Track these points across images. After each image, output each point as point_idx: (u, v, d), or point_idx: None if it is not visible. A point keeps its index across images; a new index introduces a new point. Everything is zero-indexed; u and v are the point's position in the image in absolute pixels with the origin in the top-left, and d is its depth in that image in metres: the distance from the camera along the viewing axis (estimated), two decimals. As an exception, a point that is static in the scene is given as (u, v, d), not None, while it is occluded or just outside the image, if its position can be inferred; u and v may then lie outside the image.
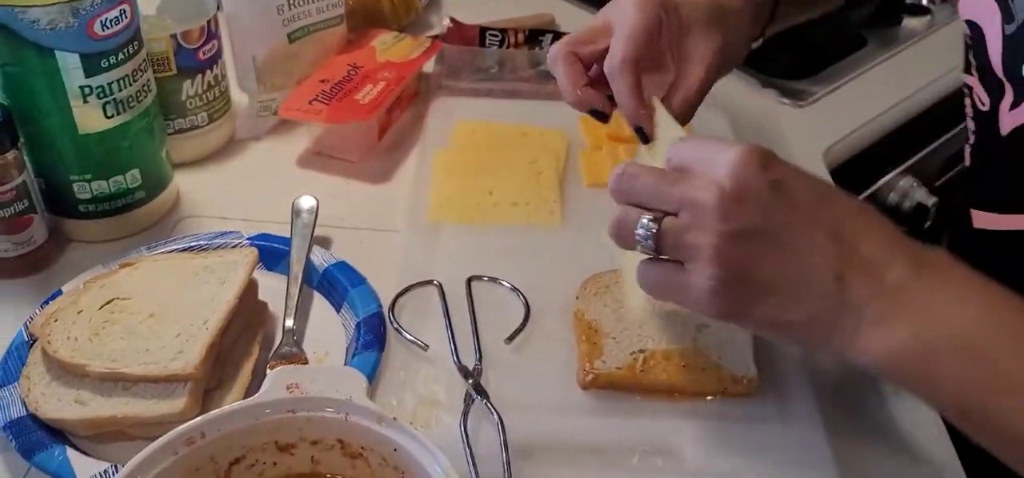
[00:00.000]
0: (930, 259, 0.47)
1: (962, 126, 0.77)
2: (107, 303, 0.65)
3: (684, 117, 0.64)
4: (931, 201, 1.09)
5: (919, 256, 0.47)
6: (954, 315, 0.46)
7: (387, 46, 0.98)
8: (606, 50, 0.63)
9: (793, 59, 1.11)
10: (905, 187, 1.11)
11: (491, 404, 0.61)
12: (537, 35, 1.08)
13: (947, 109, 1.11)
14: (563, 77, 0.65)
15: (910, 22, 1.21)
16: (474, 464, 0.58)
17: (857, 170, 1.01)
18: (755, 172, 0.47)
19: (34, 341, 0.65)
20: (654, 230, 0.49)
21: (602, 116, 0.66)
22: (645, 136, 0.62)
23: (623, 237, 0.51)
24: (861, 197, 1.08)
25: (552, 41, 1.06)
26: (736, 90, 1.05)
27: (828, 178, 0.90)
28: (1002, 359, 0.45)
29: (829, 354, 0.49)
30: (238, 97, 0.93)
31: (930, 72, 1.09)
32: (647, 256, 0.52)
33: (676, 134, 0.60)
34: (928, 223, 1.11)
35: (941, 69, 1.08)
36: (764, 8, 0.72)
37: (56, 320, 0.64)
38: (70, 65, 0.69)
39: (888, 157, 1.08)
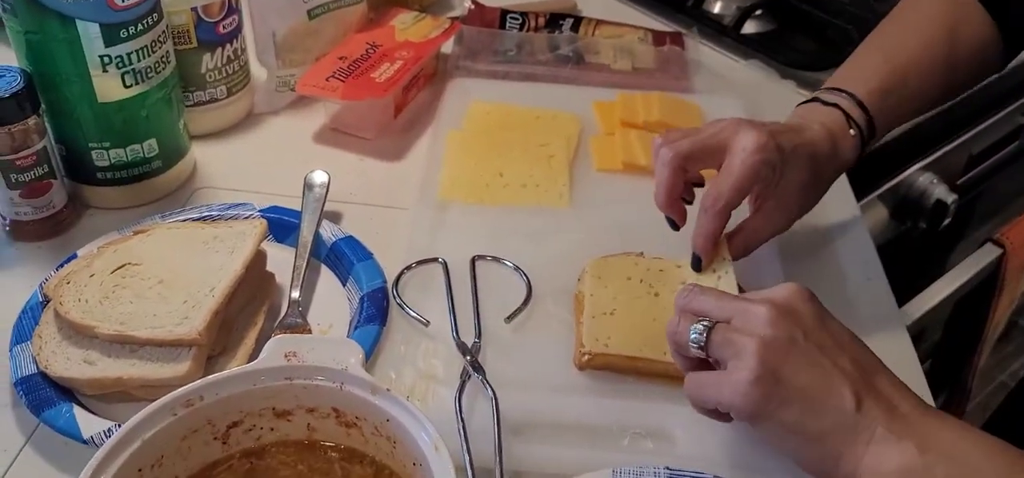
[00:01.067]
0: (933, 410, 0.52)
1: (987, 123, 0.78)
2: (119, 268, 0.67)
3: (742, 253, 0.69)
4: (950, 198, 1.08)
5: (924, 404, 0.52)
6: (957, 443, 0.50)
7: (406, 26, 0.99)
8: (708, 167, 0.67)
9: (814, 50, 1.11)
10: (924, 184, 1.10)
11: (487, 380, 0.62)
12: (558, 19, 1.08)
13: (972, 106, 1.10)
14: (663, 183, 0.66)
15: (939, 16, 1.19)
16: (466, 438, 0.58)
17: (874, 165, 1.00)
18: (803, 300, 0.54)
19: (48, 302, 0.67)
20: (706, 332, 0.55)
21: (675, 226, 0.70)
22: (700, 266, 0.67)
23: (679, 337, 0.56)
24: (878, 193, 1.07)
25: (572, 26, 1.06)
26: (754, 79, 1.04)
27: (843, 177, 0.89)
28: None
29: (831, 476, 0.52)
30: (257, 71, 0.94)
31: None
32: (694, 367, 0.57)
33: (724, 266, 0.67)
34: (947, 220, 1.10)
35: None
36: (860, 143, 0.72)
37: (69, 282, 0.66)
38: (91, 34, 0.71)
39: (908, 153, 1.07)
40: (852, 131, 0.70)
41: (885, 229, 1.12)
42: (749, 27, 1.13)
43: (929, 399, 0.67)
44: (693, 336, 0.55)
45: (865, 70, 0.73)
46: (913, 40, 0.74)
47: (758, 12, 1.14)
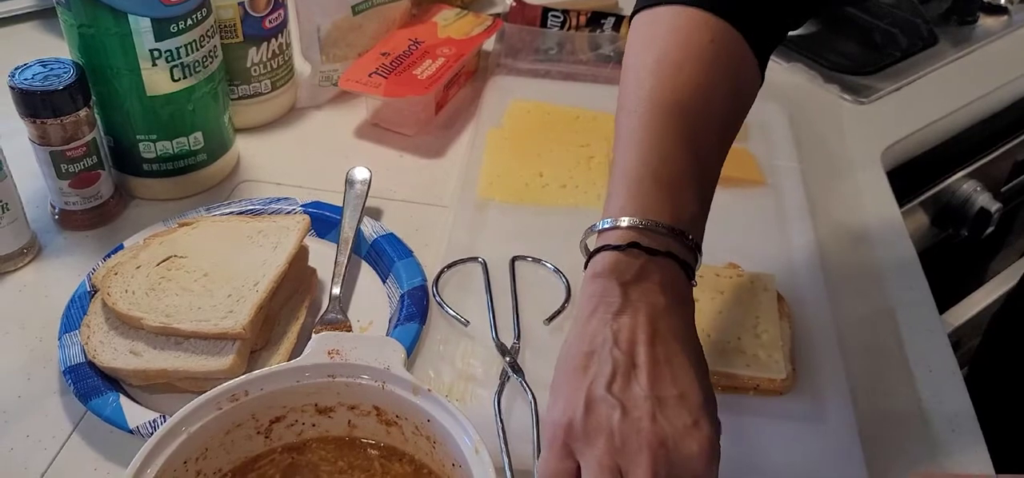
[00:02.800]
0: None
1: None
2: (164, 260, 0.68)
3: None
4: (995, 206, 1.07)
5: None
6: None
7: (448, 22, 0.99)
8: None
9: (859, 54, 1.09)
10: (968, 191, 1.09)
11: (526, 382, 0.63)
12: (599, 17, 1.08)
13: (1017, 114, 1.08)
14: None
15: (986, 21, 1.17)
16: (505, 440, 0.59)
17: (917, 170, 0.99)
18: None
19: (96, 292, 0.68)
20: None
21: None
22: None
23: None
24: (919, 199, 1.06)
25: (613, 26, 1.06)
26: (797, 83, 1.04)
27: (884, 180, 0.89)
28: None
29: None
30: (301, 66, 0.95)
31: (1003, 74, 1.06)
32: None
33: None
34: (990, 229, 1.08)
35: (1016, 72, 1.05)
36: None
37: (116, 273, 0.67)
38: (141, 28, 0.72)
39: (951, 159, 1.06)
40: (693, 281, 0.52)
41: (925, 236, 1.11)
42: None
43: (963, 392, 0.67)
44: None
45: (675, 183, 0.52)
46: (703, 116, 0.54)
47: (801, 14, 1.13)
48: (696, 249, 0.52)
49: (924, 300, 0.76)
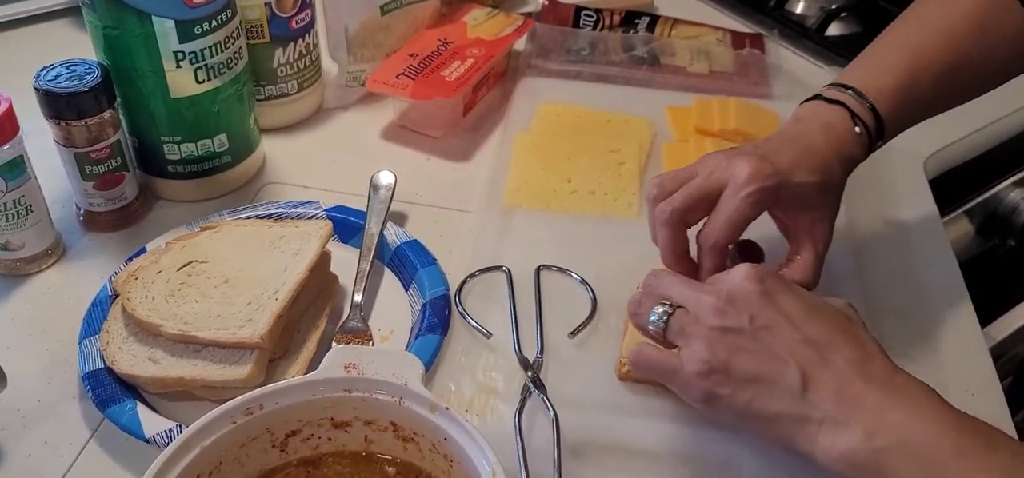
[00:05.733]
0: (896, 380, 0.51)
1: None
2: (185, 265, 0.68)
3: (815, 279, 0.65)
4: (1044, 216, 1.03)
5: (885, 377, 0.51)
6: (907, 425, 0.48)
7: (478, 22, 0.98)
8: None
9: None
10: (1016, 200, 1.05)
11: (548, 399, 0.61)
12: (633, 17, 1.05)
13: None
14: (666, 244, 0.64)
15: (1036, 23, 1.13)
16: (525, 459, 0.57)
17: (960, 179, 0.96)
18: (750, 284, 0.53)
19: (116, 296, 0.67)
20: (666, 317, 0.56)
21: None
22: None
23: (640, 318, 0.58)
24: (963, 208, 1.02)
25: (647, 26, 1.04)
26: (837, 87, 1.00)
27: (927, 189, 0.86)
28: (949, 464, 0.47)
29: (799, 455, 0.51)
30: (328, 66, 0.94)
31: (1054, 79, 1.01)
32: (649, 341, 0.58)
33: None
34: (1039, 240, 1.04)
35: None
36: (868, 142, 0.68)
37: (136, 278, 0.66)
38: (166, 30, 0.71)
39: (998, 167, 1.02)
40: (858, 128, 0.65)
41: (969, 245, 1.07)
42: (833, 30, 1.09)
43: (1007, 418, 0.65)
44: (652, 319, 0.56)
45: (881, 67, 0.68)
46: (938, 38, 0.68)
47: (843, 14, 1.10)
48: (873, 110, 0.66)
49: (966, 312, 0.73)
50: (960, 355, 0.69)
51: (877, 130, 0.67)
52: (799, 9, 1.14)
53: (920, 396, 0.50)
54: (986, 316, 0.90)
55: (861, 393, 0.50)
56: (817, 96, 0.68)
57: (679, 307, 0.55)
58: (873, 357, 0.51)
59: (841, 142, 0.65)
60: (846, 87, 0.67)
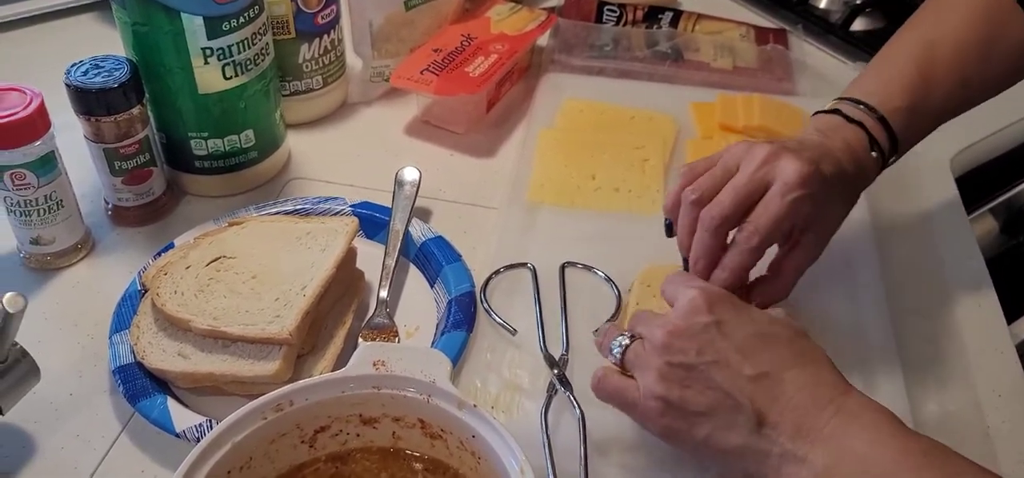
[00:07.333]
0: (849, 404, 0.50)
1: None
2: (214, 261, 0.68)
3: (784, 294, 0.64)
4: (1070, 214, 1.02)
5: (838, 399, 0.50)
6: (866, 456, 0.48)
7: (502, 17, 0.98)
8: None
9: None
10: (1042, 197, 1.04)
11: (574, 397, 0.61)
12: (656, 12, 1.05)
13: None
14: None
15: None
16: (551, 457, 0.58)
17: (987, 177, 0.95)
18: (698, 316, 0.53)
19: (146, 291, 0.68)
20: (623, 348, 0.56)
21: (671, 232, 0.66)
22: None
23: (603, 346, 0.59)
24: (989, 206, 1.01)
25: (671, 21, 1.03)
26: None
27: (952, 187, 0.85)
28: None
29: None
30: (352, 61, 0.94)
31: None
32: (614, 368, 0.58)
33: None
34: (1065, 238, 1.04)
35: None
36: (881, 164, 0.67)
37: (165, 273, 0.67)
38: (194, 27, 0.72)
39: (1022, 166, 1.01)
40: (874, 153, 0.65)
41: (993, 243, 1.07)
42: (858, 25, 1.09)
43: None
44: (614, 349, 0.57)
45: (893, 82, 0.67)
46: (947, 52, 0.67)
47: (867, 9, 1.09)
48: (888, 130, 0.65)
49: (992, 310, 0.73)
50: (988, 354, 0.69)
51: (891, 150, 0.66)
52: (823, 4, 1.14)
53: (877, 421, 0.49)
54: (1010, 315, 0.89)
55: (817, 424, 0.49)
56: (835, 110, 0.67)
57: (638, 338, 0.55)
58: (822, 377, 0.51)
59: (859, 164, 0.64)
60: (864, 105, 0.66)
